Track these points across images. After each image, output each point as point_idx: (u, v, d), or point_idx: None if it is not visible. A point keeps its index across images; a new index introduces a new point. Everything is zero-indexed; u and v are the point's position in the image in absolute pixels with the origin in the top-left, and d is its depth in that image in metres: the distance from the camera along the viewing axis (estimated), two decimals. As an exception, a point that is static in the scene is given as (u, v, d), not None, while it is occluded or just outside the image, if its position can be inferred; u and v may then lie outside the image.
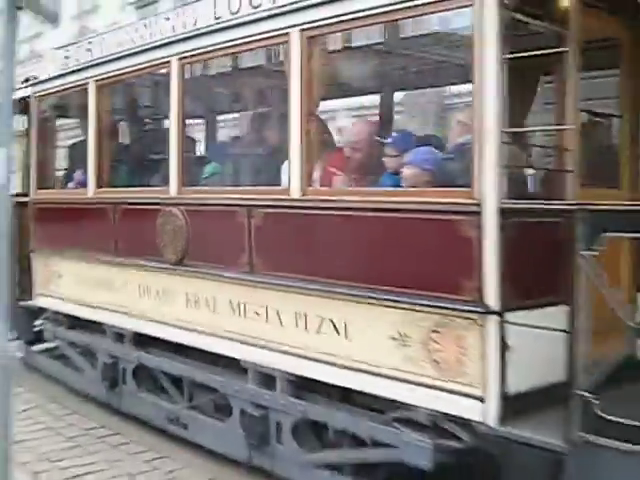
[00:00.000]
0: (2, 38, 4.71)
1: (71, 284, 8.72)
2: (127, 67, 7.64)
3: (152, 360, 7.56)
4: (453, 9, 4.88)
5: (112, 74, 7.88)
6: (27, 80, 9.68)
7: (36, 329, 9.84)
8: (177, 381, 7.31)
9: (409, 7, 4.92)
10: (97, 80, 8.11)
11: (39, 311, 9.61)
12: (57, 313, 9.19)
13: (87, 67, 8.24)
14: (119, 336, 7.99)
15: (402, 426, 5.14)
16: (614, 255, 4.62)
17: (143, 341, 7.64)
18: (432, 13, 5.08)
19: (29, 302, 9.55)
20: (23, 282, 9.50)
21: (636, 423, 3.88)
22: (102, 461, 6.66)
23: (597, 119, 5.89)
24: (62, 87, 8.84)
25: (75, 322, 8.85)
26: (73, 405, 8.37)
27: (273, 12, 5.83)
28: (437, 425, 4.95)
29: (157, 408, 7.47)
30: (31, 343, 10.08)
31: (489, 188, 4.52)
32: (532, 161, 5.60)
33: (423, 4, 4.85)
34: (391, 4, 4.99)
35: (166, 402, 7.42)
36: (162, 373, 7.49)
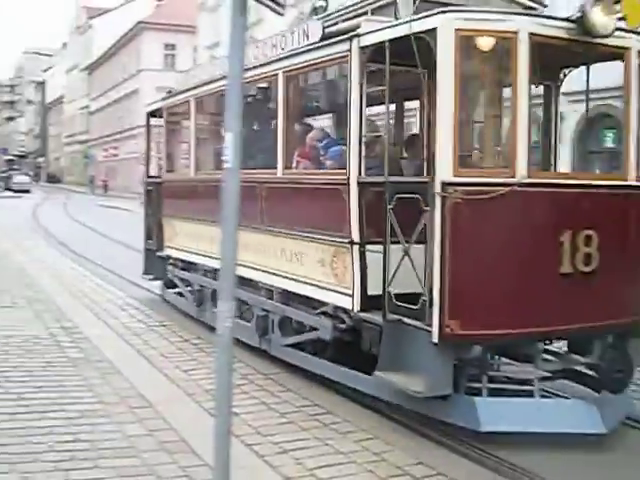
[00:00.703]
0: (231, 28, 4.84)
1: (182, 238, 12.66)
2: (209, 90, 11.45)
3: (209, 285, 11.54)
4: (341, 63, 8.13)
5: (203, 94, 11.74)
6: (170, 92, 13.61)
7: (168, 274, 13.58)
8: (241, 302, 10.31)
9: (317, 62, 8.59)
10: (196, 98, 12.03)
11: (168, 259, 13.45)
12: (175, 259, 13.13)
13: (189, 89, 12.24)
14: (205, 271, 11.82)
15: (321, 316, 8.45)
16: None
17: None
18: (331, 65, 8.62)
19: (161, 252, 13.63)
20: (159, 238, 13.68)
21: (412, 307, 7.01)
22: (313, 438, 6.82)
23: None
24: (178, 102, 12.93)
25: (186, 265, 12.66)
26: (288, 382, 8.64)
27: (270, 60, 9.40)
28: (336, 314, 8.26)
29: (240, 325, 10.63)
30: (167, 285, 13.88)
31: (353, 169, 7.78)
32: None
33: (322, 61, 8.48)
34: (308, 61, 8.68)
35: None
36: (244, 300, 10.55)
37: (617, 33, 7.07)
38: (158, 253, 13.71)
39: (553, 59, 7.57)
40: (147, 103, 15.27)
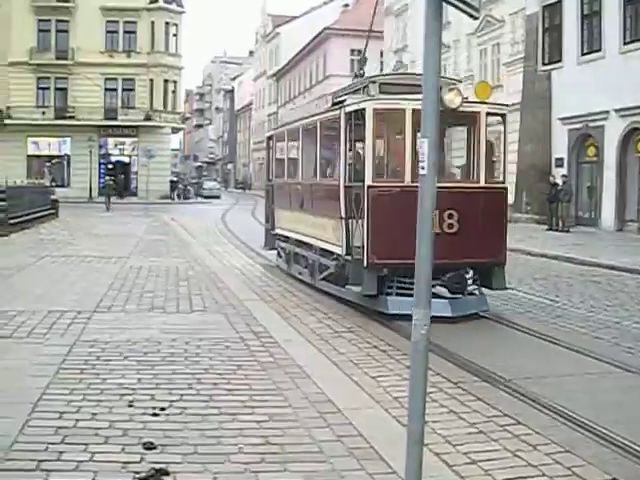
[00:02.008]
0: (426, 34, 4.91)
1: (282, 220, 19.00)
2: (295, 125, 17.80)
3: (296, 250, 17.66)
4: (338, 119, 13.96)
5: (290, 129, 18.30)
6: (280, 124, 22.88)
7: (277, 247, 20.22)
8: (304, 257, 17.22)
9: (329, 118, 14.85)
10: (287, 130, 18.63)
11: (276, 235, 19.77)
12: (280, 235, 19.37)
13: (284, 125, 19.64)
14: (293, 241, 17.98)
15: (332, 260, 14.64)
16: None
17: (300, 243, 17.20)
18: (335, 120, 14.24)
19: (273, 231, 20.05)
20: (272, 221, 20.11)
21: (359, 250, 13.16)
22: (503, 449, 6.71)
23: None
24: (279, 132, 19.84)
25: (284, 238, 19.00)
26: (478, 391, 8.53)
27: (314, 113, 16.55)
28: (337, 258, 14.17)
29: (296, 269, 17.83)
30: (279, 255, 20.07)
31: (341, 178, 13.71)
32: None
33: (331, 117, 14.66)
34: (326, 117, 15.17)
35: (299, 266, 17.63)
36: (300, 255, 17.44)
37: (471, 104, 13.58)
38: (272, 232, 20.30)
39: (452, 118, 13.26)
40: (267, 130, 26.54)
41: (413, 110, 12.36)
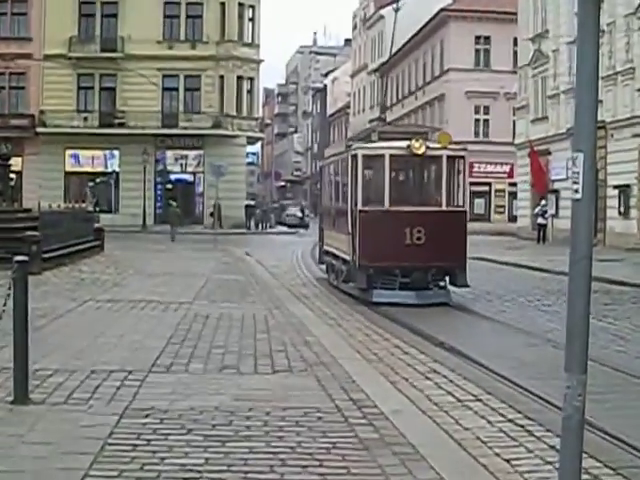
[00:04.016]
0: (581, 17, 4.92)
1: (326, 239, 30.74)
2: (331, 160, 31.16)
3: (332, 261, 29.11)
4: (348, 159, 25.97)
5: (330, 161, 31.47)
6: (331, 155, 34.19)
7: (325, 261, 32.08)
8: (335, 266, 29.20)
9: (344, 158, 26.88)
10: (328, 163, 31.91)
11: (325, 252, 31.03)
12: (326, 251, 30.55)
13: (329, 157, 32.72)
14: (331, 254, 29.53)
15: (345, 264, 26.63)
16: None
17: (336, 256, 28.07)
18: (347, 160, 26.20)
19: (322, 249, 31.88)
20: (322, 240, 31.90)
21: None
22: None
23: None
24: (325, 163, 33.24)
25: (327, 253, 30.61)
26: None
27: (338, 152, 30.12)
28: (349, 264, 25.52)
29: (332, 277, 28.98)
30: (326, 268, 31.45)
31: (349, 204, 25.43)
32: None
33: (344, 158, 26.88)
34: (343, 157, 27.31)
35: (333, 274, 29.05)
36: (334, 265, 29.04)
37: (434, 149, 24.02)
38: (322, 249, 31.01)
39: (422, 160, 25.09)
40: (323, 157, 36.69)
41: (390, 155, 23.77)
